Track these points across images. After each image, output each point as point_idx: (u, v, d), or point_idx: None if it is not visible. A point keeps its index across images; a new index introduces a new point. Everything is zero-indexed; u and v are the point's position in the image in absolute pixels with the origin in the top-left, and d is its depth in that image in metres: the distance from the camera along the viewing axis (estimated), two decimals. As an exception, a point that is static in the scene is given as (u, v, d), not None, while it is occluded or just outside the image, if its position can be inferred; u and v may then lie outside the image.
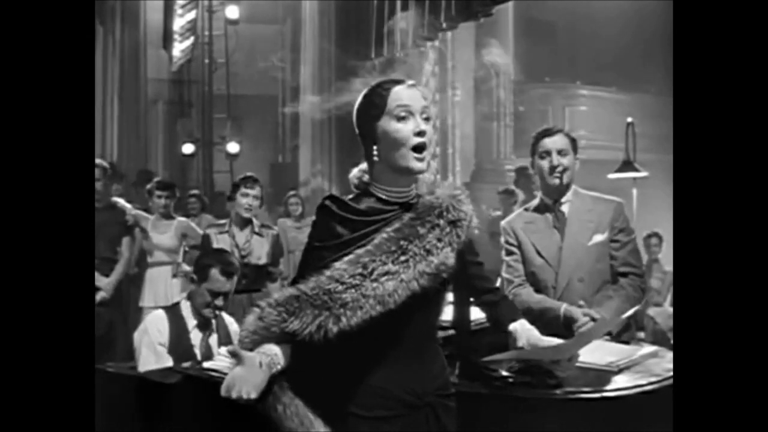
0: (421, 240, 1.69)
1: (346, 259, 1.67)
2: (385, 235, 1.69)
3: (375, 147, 1.75)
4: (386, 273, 1.65)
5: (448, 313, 2.10)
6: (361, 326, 1.63)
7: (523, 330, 1.95)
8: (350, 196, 1.81)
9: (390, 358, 1.73)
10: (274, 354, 1.65)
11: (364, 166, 1.84)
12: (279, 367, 1.65)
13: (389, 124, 1.72)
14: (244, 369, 1.59)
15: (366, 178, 1.82)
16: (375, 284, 1.63)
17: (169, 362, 2.84)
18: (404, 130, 1.71)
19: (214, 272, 3.04)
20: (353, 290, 1.63)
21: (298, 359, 1.69)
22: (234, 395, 1.56)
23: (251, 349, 1.66)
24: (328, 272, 1.65)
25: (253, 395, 1.57)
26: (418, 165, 1.71)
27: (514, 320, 1.97)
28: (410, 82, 1.78)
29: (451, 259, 1.73)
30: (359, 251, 1.67)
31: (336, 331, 1.61)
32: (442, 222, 1.72)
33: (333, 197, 1.79)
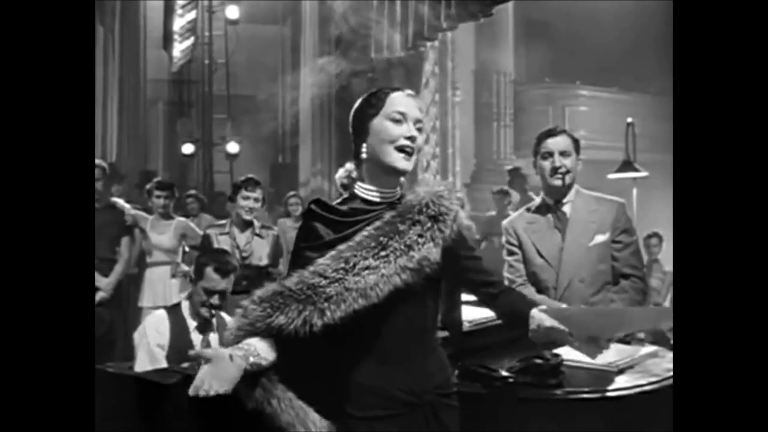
0: (401, 236, 1.73)
1: (328, 254, 1.71)
2: (365, 233, 1.74)
3: (365, 144, 1.81)
4: (367, 267, 1.69)
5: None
6: (346, 321, 1.66)
7: (545, 314, 1.86)
8: (337, 201, 1.86)
9: (381, 356, 1.75)
10: (249, 345, 1.65)
11: (349, 166, 1.89)
12: (259, 359, 1.65)
13: (382, 124, 1.79)
14: (212, 365, 1.59)
15: (355, 174, 1.87)
16: (357, 278, 1.67)
17: (164, 364, 2.84)
18: (395, 130, 1.77)
19: (209, 270, 3.05)
20: (336, 284, 1.67)
21: (288, 358, 1.70)
22: (201, 393, 1.55)
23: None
24: (311, 268, 1.70)
25: (223, 389, 1.56)
26: (402, 164, 1.77)
27: (533, 306, 1.89)
28: (409, 91, 1.85)
29: (434, 255, 1.75)
30: (341, 246, 1.72)
31: (321, 325, 1.65)
32: (422, 218, 1.76)
33: (318, 201, 1.85)
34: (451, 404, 1.83)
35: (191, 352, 1.67)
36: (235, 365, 1.60)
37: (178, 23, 10.27)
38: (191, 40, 10.43)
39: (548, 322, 1.82)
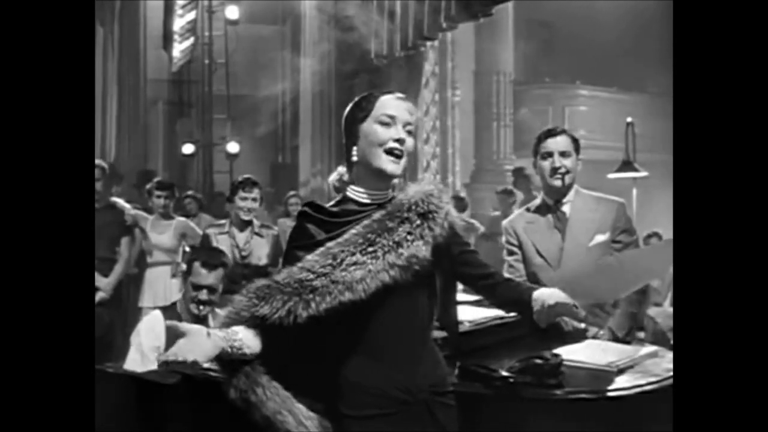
0: (390, 233, 1.74)
1: (317, 251, 1.72)
2: (354, 231, 1.75)
3: (355, 147, 1.82)
4: (354, 263, 1.69)
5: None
6: (332, 314, 1.67)
7: (550, 292, 1.84)
8: (330, 203, 1.88)
9: (373, 353, 1.76)
10: (232, 331, 1.67)
11: (341, 169, 1.92)
12: (241, 344, 1.66)
13: (371, 127, 1.80)
14: (188, 338, 1.60)
15: (346, 177, 1.89)
16: (344, 273, 1.68)
17: (154, 365, 2.73)
18: (384, 133, 1.78)
19: (197, 265, 3.01)
20: (323, 278, 1.67)
21: (276, 353, 1.71)
22: (171, 358, 1.56)
23: None
24: (300, 264, 1.71)
25: (192, 358, 1.56)
26: (390, 167, 1.78)
27: (534, 290, 1.87)
28: (400, 95, 1.86)
29: (423, 252, 1.75)
30: (330, 243, 1.73)
31: (305, 316, 1.65)
32: (411, 215, 1.77)
33: (311, 203, 1.87)
34: (448, 403, 1.83)
35: (167, 323, 1.67)
36: (211, 341, 1.61)
37: (178, 23, 10.27)
38: (191, 40, 10.42)
39: (551, 300, 1.81)
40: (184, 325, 1.64)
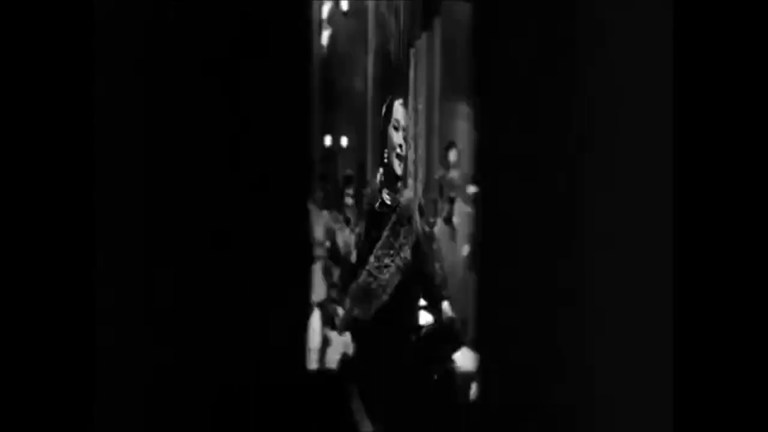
0: (397, 237, 1.69)
1: (373, 254, 1.68)
2: (385, 233, 1.69)
3: (385, 150, 1.73)
4: (386, 265, 1.66)
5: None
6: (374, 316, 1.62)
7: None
8: (377, 203, 1.76)
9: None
10: (344, 336, 1.67)
11: (382, 170, 1.78)
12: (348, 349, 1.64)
13: (391, 131, 1.72)
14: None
15: (383, 179, 1.76)
16: (383, 276, 1.65)
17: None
18: (396, 138, 1.71)
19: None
20: (375, 281, 1.65)
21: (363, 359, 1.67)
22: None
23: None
24: (367, 267, 1.67)
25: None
26: (399, 169, 1.71)
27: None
28: (401, 100, 1.76)
29: (409, 256, 1.69)
30: (377, 245, 1.69)
31: (370, 316, 1.63)
32: (405, 221, 1.70)
33: (371, 204, 1.78)
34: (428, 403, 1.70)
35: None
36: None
37: (325, 6, 9.38)
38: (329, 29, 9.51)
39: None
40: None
